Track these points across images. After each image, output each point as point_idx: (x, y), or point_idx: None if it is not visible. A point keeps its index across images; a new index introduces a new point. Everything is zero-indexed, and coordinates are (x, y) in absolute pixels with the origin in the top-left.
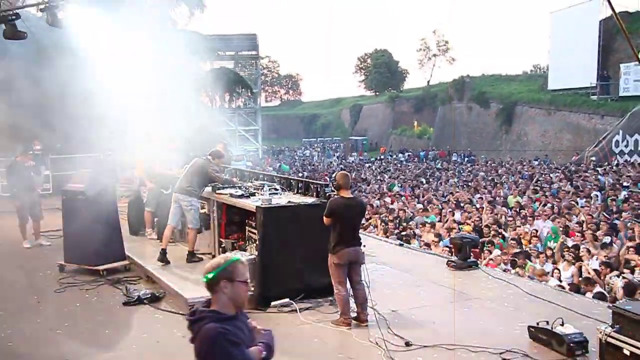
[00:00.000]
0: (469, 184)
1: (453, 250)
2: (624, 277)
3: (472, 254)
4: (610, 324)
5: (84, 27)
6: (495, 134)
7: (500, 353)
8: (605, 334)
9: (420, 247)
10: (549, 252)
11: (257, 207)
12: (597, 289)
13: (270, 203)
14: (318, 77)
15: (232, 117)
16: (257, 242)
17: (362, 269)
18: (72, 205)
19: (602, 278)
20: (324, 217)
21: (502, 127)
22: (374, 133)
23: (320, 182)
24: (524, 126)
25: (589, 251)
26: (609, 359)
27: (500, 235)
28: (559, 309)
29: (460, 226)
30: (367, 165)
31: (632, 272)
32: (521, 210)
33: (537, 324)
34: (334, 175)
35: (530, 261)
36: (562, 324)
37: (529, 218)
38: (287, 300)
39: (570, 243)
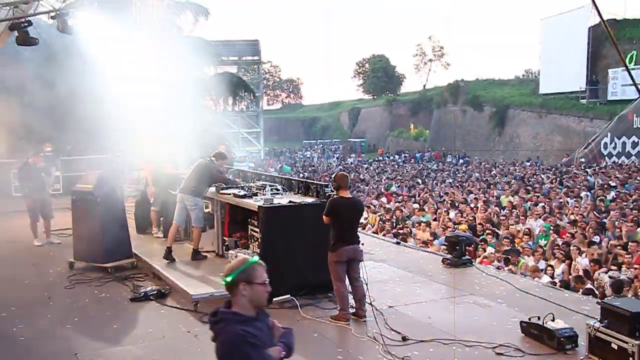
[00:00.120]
0: (464, 184)
1: (448, 248)
2: (610, 276)
3: (466, 252)
4: (599, 319)
5: (93, 34)
6: (489, 136)
7: (494, 347)
8: (594, 329)
9: (417, 244)
10: (539, 250)
11: (259, 206)
12: (587, 285)
13: (272, 203)
14: (318, 81)
15: (235, 119)
16: (260, 241)
17: (361, 266)
18: (81, 205)
19: (591, 275)
20: (324, 216)
21: (495, 130)
22: (372, 135)
23: (320, 183)
24: (516, 128)
25: (578, 249)
26: (597, 353)
27: (493, 234)
28: (550, 304)
29: (456, 225)
30: (365, 166)
31: (619, 269)
32: (513, 210)
33: (529, 319)
34: (333, 176)
35: (523, 258)
36: (553, 319)
37: (521, 217)
38: (288, 296)
39: (560, 241)
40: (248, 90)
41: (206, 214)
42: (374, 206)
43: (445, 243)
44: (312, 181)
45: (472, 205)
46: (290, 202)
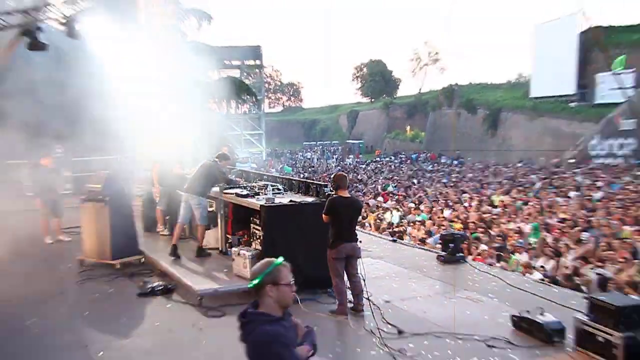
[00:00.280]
0: (458, 184)
1: (442, 245)
2: (597, 272)
3: (461, 249)
4: (585, 313)
5: (101, 38)
6: (482, 138)
7: (486, 340)
8: (581, 322)
9: (414, 242)
10: (528, 248)
11: (261, 205)
12: (574, 281)
13: (274, 202)
14: (318, 85)
15: (238, 122)
16: (261, 238)
17: (359, 263)
18: (91, 204)
19: (579, 271)
20: (323, 215)
21: (489, 132)
22: (370, 137)
23: (319, 183)
24: (509, 131)
25: (567, 246)
26: (584, 345)
27: (485, 232)
28: (539, 299)
29: (450, 224)
30: (363, 167)
31: (604, 265)
32: (505, 209)
33: (520, 313)
34: (332, 176)
35: (514, 255)
36: (542, 314)
37: (512, 215)
38: None
39: (549, 239)
40: (250, 94)
41: (210, 213)
42: (372, 205)
43: (440, 241)
44: (312, 181)
45: (465, 204)
46: (290, 201)
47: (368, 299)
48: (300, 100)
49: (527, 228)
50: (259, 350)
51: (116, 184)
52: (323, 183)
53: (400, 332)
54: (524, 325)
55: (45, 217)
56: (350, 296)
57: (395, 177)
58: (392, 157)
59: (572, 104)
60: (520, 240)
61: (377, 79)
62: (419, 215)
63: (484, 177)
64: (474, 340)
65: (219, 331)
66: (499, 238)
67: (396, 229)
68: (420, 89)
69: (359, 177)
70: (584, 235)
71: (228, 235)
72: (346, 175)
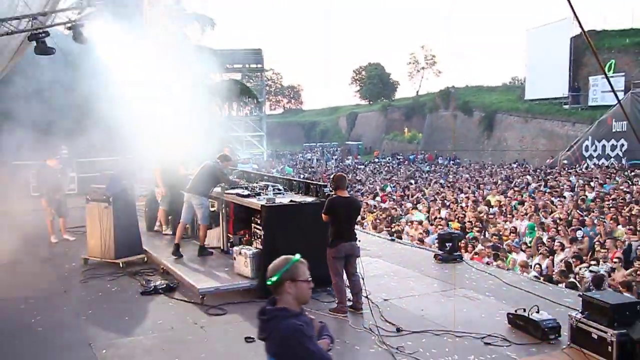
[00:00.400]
0: (454, 184)
1: (440, 244)
2: (591, 271)
3: (459, 248)
4: (580, 311)
5: (107, 42)
6: (478, 139)
7: (482, 338)
8: (576, 320)
9: (412, 241)
10: (524, 247)
11: (262, 205)
12: (569, 279)
13: (274, 202)
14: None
15: (239, 124)
16: (262, 237)
17: (358, 262)
18: (95, 204)
19: (573, 269)
20: (323, 215)
21: (484, 133)
22: (368, 138)
23: (319, 183)
24: (504, 132)
25: (562, 245)
26: (579, 342)
27: (481, 232)
28: (535, 297)
29: (449, 223)
30: (362, 167)
31: (598, 264)
32: (501, 209)
33: (515, 311)
34: (331, 177)
35: (510, 254)
36: (538, 311)
37: (508, 215)
38: None
39: (545, 238)
40: (251, 96)
41: (212, 213)
42: (371, 205)
43: (437, 240)
44: (311, 181)
45: (462, 204)
46: (291, 201)
47: (367, 297)
48: (300, 102)
49: (523, 227)
50: (285, 343)
51: (120, 184)
52: (323, 183)
53: (398, 329)
54: (519, 322)
55: (51, 217)
56: (349, 294)
57: (394, 178)
58: (390, 158)
59: (566, 106)
60: (517, 240)
61: (376, 82)
62: (416, 214)
63: (480, 177)
64: (471, 338)
65: (221, 329)
66: (495, 237)
67: (395, 229)
68: (417, 92)
69: (357, 177)
70: (579, 234)
71: (229, 235)
72: (345, 175)
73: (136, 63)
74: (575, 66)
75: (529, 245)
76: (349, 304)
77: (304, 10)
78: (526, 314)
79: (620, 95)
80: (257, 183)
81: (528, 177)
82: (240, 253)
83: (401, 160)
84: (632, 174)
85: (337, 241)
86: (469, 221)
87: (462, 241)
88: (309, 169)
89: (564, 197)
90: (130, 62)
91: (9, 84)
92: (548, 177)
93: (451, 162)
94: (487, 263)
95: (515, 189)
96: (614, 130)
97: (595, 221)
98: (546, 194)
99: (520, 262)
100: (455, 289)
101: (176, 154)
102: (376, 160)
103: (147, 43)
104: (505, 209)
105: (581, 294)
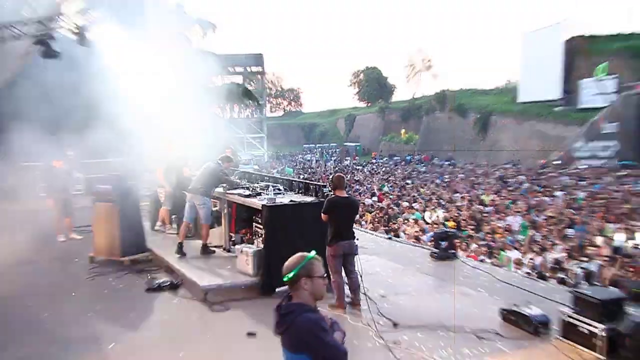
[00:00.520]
0: (450, 184)
1: (435, 242)
2: (581, 267)
3: (454, 246)
4: (570, 306)
5: (111, 46)
6: (473, 141)
7: (476, 332)
8: (566, 315)
9: (408, 239)
10: (517, 245)
11: (263, 205)
12: (560, 275)
13: (275, 202)
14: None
15: (240, 125)
16: (263, 236)
17: (356, 260)
18: (101, 204)
19: (564, 266)
20: (322, 214)
21: (479, 135)
22: (366, 140)
23: (318, 183)
24: (498, 133)
25: (553, 242)
26: (569, 337)
27: (476, 230)
28: (527, 293)
29: (445, 222)
30: (360, 168)
31: (588, 261)
32: (495, 207)
33: (508, 306)
34: (331, 177)
35: (504, 252)
36: (529, 307)
37: (502, 214)
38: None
39: (537, 236)
40: (252, 99)
41: (214, 212)
42: (368, 205)
43: (433, 238)
44: (311, 182)
45: (457, 203)
46: (291, 201)
47: (365, 293)
48: (300, 104)
49: (516, 226)
50: (303, 336)
51: (125, 184)
52: (322, 184)
53: (395, 324)
54: (512, 317)
55: (58, 216)
56: (348, 291)
57: (391, 178)
58: (388, 159)
59: (558, 108)
60: (510, 238)
61: (374, 85)
62: (412, 213)
63: (475, 177)
64: (465, 332)
65: (223, 324)
66: (489, 235)
67: (391, 228)
68: (414, 94)
69: (356, 177)
70: (569, 232)
71: (231, 234)
72: (344, 176)
73: (140, 66)
74: (567, 70)
75: (522, 243)
76: (348, 300)
77: (303, 16)
78: (518, 309)
79: (614, 97)
80: (258, 183)
81: (521, 177)
82: (242, 251)
83: (398, 161)
84: (623, 174)
85: (336, 240)
86: (464, 220)
87: (457, 239)
88: (309, 170)
89: (556, 197)
90: (134, 65)
91: (16, 86)
92: (541, 177)
93: (447, 162)
94: (482, 260)
95: (510, 188)
96: (604, 131)
97: (586, 219)
98: (538, 193)
99: (515, 259)
100: (450, 286)
101: (180, 155)
102: (374, 161)
103: (150, 46)
104: (499, 208)
105: (571, 289)
